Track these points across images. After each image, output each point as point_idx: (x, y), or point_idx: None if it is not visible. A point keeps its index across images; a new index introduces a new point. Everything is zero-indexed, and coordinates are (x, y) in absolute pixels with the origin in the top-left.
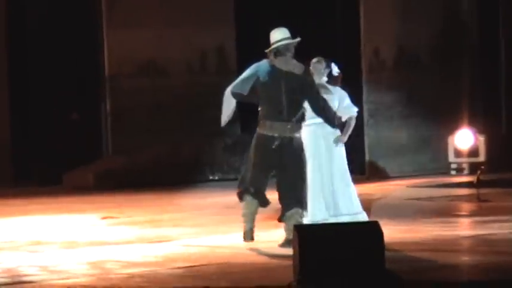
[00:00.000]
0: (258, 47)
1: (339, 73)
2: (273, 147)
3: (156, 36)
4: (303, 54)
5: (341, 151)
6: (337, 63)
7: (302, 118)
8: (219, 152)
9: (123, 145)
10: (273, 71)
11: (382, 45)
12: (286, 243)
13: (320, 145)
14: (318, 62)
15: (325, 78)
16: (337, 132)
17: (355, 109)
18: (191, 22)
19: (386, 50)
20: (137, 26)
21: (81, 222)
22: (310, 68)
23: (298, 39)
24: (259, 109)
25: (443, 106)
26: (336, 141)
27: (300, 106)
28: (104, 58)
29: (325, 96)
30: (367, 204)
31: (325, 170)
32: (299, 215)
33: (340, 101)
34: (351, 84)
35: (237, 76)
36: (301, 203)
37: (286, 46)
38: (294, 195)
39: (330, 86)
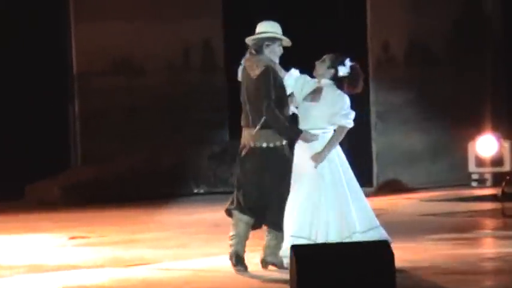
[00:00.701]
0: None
1: (350, 73)
2: (241, 156)
3: (131, 28)
4: (300, 49)
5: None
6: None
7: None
8: (205, 162)
9: (93, 153)
10: (242, 70)
11: (392, 38)
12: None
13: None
14: (321, 61)
15: (327, 81)
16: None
17: (349, 120)
18: (172, 13)
19: (396, 43)
20: (110, 17)
21: (46, 242)
22: (315, 70)
23: (287, 40)
24: None
25: (463, 108)
26: (314, 159)
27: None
28: (71, 54)
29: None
30: None
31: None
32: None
33: (333, 106)
34: None
35: (226, 73)
36: (275, 224)
37: (263, 40)
38: (269, 212)
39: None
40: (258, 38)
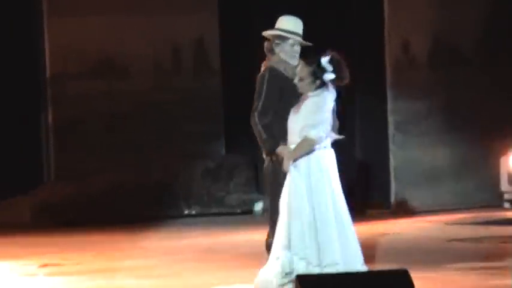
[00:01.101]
0: (247, 39)
1: (335, 71)
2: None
3: (113, 25)
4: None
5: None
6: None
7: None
8: (198, 179)
9: (69, 169)
10: None
11: (413, 36)
12: None
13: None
14: (299, 80)
15: (313, 93)
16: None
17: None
18: (160, 7)
19: (418, 42)
20: (89, 12)
21: (13, 271)
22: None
23: (297, 39)
24: None
25: (494, 117)
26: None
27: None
28: (44, 54)
29: None
30: (393, 247)
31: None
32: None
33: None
34: (371, 88)
35: (222, 77)
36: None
37: (273, 38)
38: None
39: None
40: (269, 35)
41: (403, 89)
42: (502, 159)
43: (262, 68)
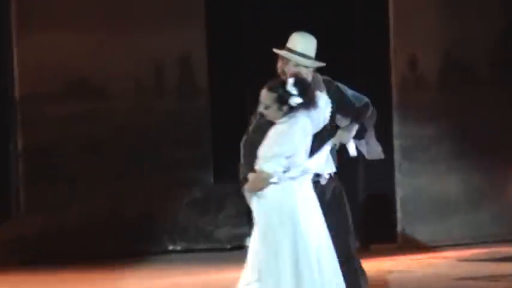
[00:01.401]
0: (237, 56)
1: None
2: None
3: (90, 41)
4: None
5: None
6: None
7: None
8: (183, 211)
9: (40, 200)
10: None
11: (421, 52)
12: None
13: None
14: (265, 108)
15: (281, 120)
16: None
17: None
18: (142, 22)
19: (428, 59)
20: (63, 27)
21: None
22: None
23: (300, 60)
24: None
25: (511, 141)
26: None
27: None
28: (12, 73)
29: None
30: (399, 286)
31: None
32: None
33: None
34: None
35: (210, 98)
36: None
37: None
38: None
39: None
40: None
41: (410, 111)
42: None
43: None
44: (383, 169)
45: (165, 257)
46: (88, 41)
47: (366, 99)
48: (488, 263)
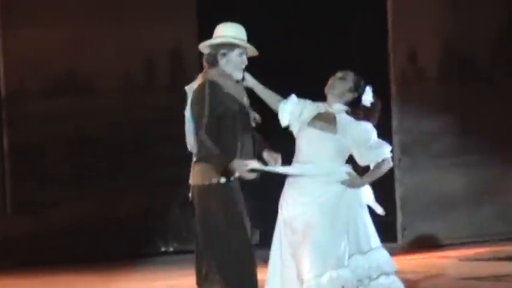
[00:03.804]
0: None
1: (373, 104)
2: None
3: (77, 36)
4: (300, 61)
5: None
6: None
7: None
8: (176, 211)
9: (28, 200)
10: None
11: (421, 45)
12: None
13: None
14: (341, 78)
15: (340, 107)
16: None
17: (387, 149)
18: (130, 15)
19: (427, 52)
20: (49, 22)
21: None
22: (328, 86)
23: (251, 48)
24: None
25: None
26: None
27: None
28: None
29: None
30: None
31: None
32: None
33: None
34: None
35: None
36: None
37: (216, 47)
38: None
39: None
40: (212, 45)
41: (410, 106)
42: None
43: (197, 82)
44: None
45: (158, 259)
46: (75, 36)
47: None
48: (491, 262)
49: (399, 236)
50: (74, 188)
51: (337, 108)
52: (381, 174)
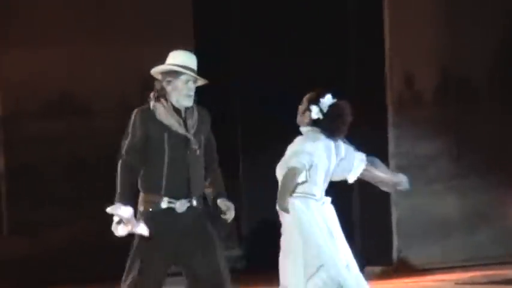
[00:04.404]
0: (227, 73)
1: (323, 115)
2: None
3: (74, 57)
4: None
5: None
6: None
7: None
8: None
9: (25, 221)
10: None
11: (418, 67)
12: None
13: None
14: (300, 104)
15: (304, 129)
16: None
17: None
18: (129, 36)
19: (424, 75)
20: (45, 42)
21: None
22: None
23: (195, 76)
24: None
25: (511, 160)
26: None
27: None
28: None
29: None
30: None
31: None
32: None
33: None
34: (371, 127)
35: None
36: None
37: (164, 75)
38: None
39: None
40: (161, 72)
41: (406, 129)
42: None
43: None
44: (378, 189)
45: None
46: (71, 57)
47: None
48: (487, 286)
49: (394, 257)
50: (70, 209)
51: (303, 130)
52: (285, 185)
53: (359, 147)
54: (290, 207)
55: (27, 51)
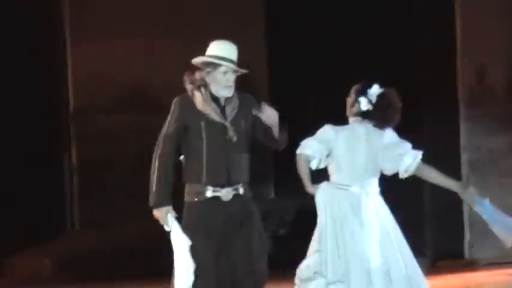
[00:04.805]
0: (300, 65)
1: (372, 105)
2: None
3: (145, 51)
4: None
5: None
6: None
7: None
8: None
9: (95, 216)
10: None
11: (490, 62)
12: None
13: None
14: (348, 97)
15: (354, 119)
16: None
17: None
18: (199, 31)
19: (497, 70)
20: (116, 36)
21: None
22: None
23: (232, 67)
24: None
25: None
26: None
27: None
28: (66, 86)
29: None
30: None
31: None
32: None
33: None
34: (441, 122)
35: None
36: None
37: (204, 66)
38: None
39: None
40: (201, 63)
41: (478, 123)
42: None
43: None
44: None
45: None
46: (143, 51)
47: None
48: None
49: (466, 253)
50: (139, 204)
51: (352, 120)
52: (299, 171)
53: (430, 141)
54: (316, 198)
55: (99, 45)
